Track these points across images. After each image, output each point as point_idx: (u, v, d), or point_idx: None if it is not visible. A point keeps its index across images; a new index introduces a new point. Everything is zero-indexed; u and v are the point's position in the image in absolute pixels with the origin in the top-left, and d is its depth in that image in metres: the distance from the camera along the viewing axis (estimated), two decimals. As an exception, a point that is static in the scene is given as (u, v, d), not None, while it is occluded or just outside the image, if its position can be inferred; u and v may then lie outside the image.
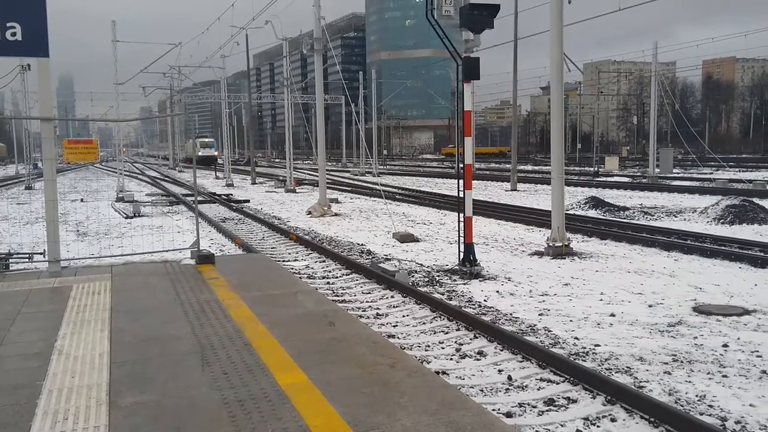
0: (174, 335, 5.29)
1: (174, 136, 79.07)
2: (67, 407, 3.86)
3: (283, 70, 34.26)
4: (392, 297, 9.38)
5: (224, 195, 28.96)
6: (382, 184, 26.76)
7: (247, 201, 26.52)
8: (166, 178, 48.09)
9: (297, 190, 31.54)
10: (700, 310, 8.23)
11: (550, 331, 7.53)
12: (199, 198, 27.06)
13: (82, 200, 27.01)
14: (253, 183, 38.78)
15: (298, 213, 21.63)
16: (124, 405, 3.86)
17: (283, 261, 12.43)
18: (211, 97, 63.67)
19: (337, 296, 9.53)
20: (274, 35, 29.07)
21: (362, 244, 14.45)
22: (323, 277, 10.97)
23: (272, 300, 6.45)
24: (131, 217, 20.17)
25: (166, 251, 10.17)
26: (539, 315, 8.23)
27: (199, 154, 62.46)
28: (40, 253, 9.16)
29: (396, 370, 4.36)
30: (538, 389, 5.79)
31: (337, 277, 10.98)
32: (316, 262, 12.47)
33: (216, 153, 69.89)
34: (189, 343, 5.05)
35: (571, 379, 5.87)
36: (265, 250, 13.70)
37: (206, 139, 75.02)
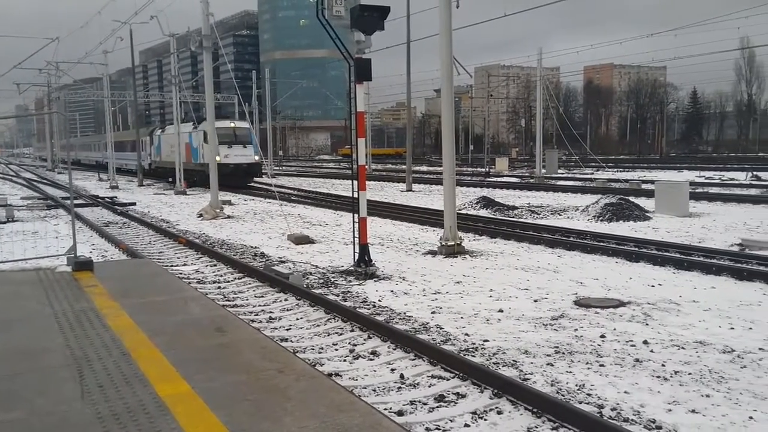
0: (45, 347, 4.93)
1: (52, 135, 74.29)
2: None
3: (171, 68, 32.99)
4: (286, 300, 9.23)
5: (108, 198, 27.53)
6: (277, 186, 26.38)
7: (133, 204, 25.34)
8: (44, 180, 45.14)
9: (188, 192, 30.48)
10: (581, 303, 8.66)
11: (441, 328, 7.65)
12: (80, 201, 25.63)
13: (-54, 205, 24.80)
14: (141, 185, 37.11)
15: (188, 216, 20.90)
16: (-16, 426, 3.53)
17: (171, 266, 11.94)
18: (93, 94, 58.10)
19: (229, 301, 9.26)
20: (161, 31, 27.94)
21: (256, 247, 14.15)
22: (214, 282, 10.63)
23: (156, 307, 6.15)
24: (4, 223, 18.73)
25: (41, 258, 9.51)
26: (432, 313, 8.36)
27: (223, 160, 29.18)
28: None
29: (284, 374, 4.26)
30: (429, 386, 5.87)
31: (228, 282, 10.68)
32: (206, 266, 12.08)
33: (258, 158, 34.44)
34: (61, 356, 4.72)
35: (461, 374, 5.99)
36: (151, 255, 13.12)
37: (233, 125, 34.19)
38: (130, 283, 7.40)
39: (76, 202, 23.52)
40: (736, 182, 29.79)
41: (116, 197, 28.26)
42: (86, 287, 7.02)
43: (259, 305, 9.06)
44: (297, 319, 8.31)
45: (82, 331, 5.31)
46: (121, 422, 3.54)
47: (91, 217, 20.20)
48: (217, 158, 29.19)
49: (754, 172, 32.90)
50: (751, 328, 7.39)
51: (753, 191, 25.08)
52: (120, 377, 4.23)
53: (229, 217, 20.07)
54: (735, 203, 20.73)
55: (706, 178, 32.71)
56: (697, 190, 23.39)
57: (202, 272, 11.46)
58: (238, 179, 31.44)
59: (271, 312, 8.64)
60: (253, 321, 8.03)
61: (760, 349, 6.65)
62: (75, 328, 5.43)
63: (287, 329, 7.83)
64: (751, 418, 5.05)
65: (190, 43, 20.55)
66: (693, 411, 5.20)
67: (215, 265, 12.06)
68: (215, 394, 3.91)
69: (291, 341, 7.30)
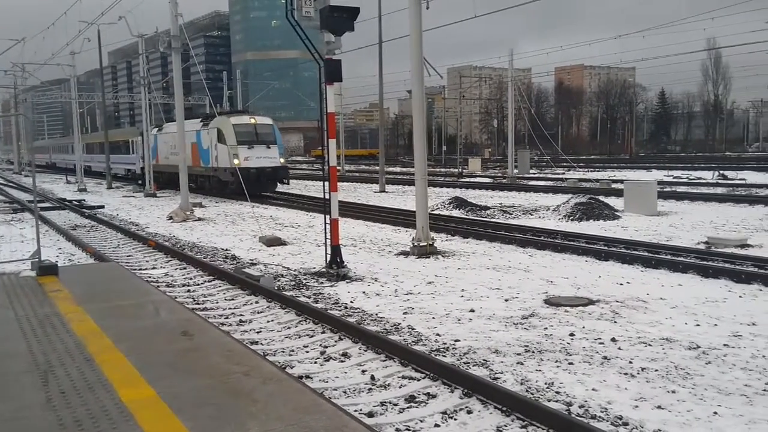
0: (7, 353, 4.82)
1: (19, 138, 72.78)
2: None
3: (140, 69, 32.52)
4: (257, 302, 9.16)
5: (76, 201, 27.04)
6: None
7: (102, 207, 24.92)
8: (10, 184, 44.25)
9: (158, 195, 30.08)
10: (551, 302, 8.73)
11: (413, 329, 7.66)
12: (48, 204, 25.15)
13: None
14: (109, 188, 36.51)
15: (158, 218, 20.63)
16: (-61, 436, 3.44)
17: (140, 269, 11.77)
18: (61, 96, 56.62)
19: (198, 304, 9.15)
20: (129, 32, 27.53)
21: (227, 249, 14.02)
22: (183, 285, 10.50)
23: (121, 311, 6.04)
24: (-33, 227, 18.30)
25: (5, 263, 9.31)
26: (404, 314, 8.36)
27: (243, 164, 25.14)
28: None
29: (251, 377, 4.21)
30: (400, 387, 5.86)
31: (198, 285, 10.56)
32: (176, 269, 11.93)
33: (284, 161, 28.56)
34: (24, 362, 4.62)
35: (432, 375, 6.00)
36: (119, 259, 12.91)
37: (254, 120, 28.15)
38: (96, 287, 7.28)
39: (42, 205, 23.09)
40: (703, 181, 30.34)
41: (84, 200, 27.79)
42: (50, 292, 6.89)
43: (230, 308, 8.97)
44: (268, 321, 8.24)
45: (45, 337, 5.21)
46: (84, 428, 3.47)
47: (58, 220, 19.82)
48: (236, 161, 24.91)
49: (721, 172, 33.55)
50: (716, 325, 7.52)
51: (719, 190, 25.56)
52: (83, 383, 4.15)
53: (199, 219, 19.86)
54: (702, 202, 21.10)
55: (674, 178, 33.27)
56: (665, 189, 23.76)
57: (172, 275, 11.32)
58: (262, 186, 26.03)
59: (241, 315, 8.57)
60: (222, 324, 7.95)
61: (724, 345, 6.77)
62: (38, 333, 5.32)
63: (258, 332, 7.77)
64: (715, 413, 5.13)
65: (159, 44, 20.30)
66: (659, 407, 5.27)
67: (185, 268, 11.92)
68: (180, 398, 3.85)
69: (261, 344, 7.24)
